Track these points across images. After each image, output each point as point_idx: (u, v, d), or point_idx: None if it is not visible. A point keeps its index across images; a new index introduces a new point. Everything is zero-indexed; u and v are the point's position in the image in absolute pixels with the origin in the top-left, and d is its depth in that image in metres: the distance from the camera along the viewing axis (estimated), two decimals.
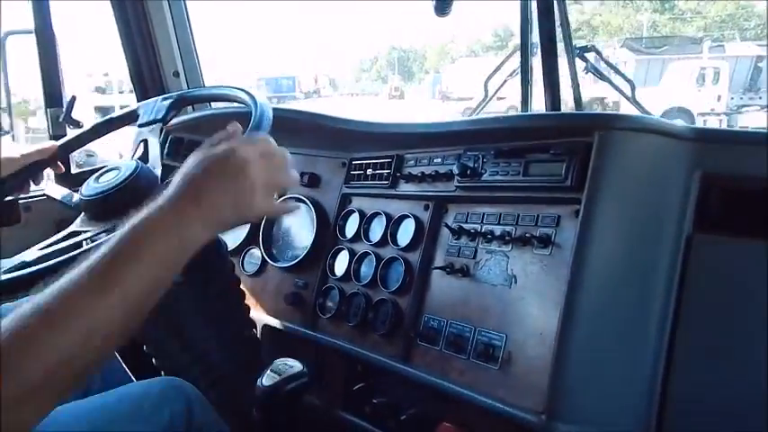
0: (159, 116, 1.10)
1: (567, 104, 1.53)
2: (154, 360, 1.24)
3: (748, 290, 0.86)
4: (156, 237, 0.65)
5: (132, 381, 1.15)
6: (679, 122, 1.01)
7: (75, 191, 1.40)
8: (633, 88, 1.43)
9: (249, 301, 1.29)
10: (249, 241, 1.52)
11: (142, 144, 1.11)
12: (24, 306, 0.58)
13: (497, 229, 1.03)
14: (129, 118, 1.18)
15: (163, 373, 1.19)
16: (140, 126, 1.13)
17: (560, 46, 1.43)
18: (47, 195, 1.28)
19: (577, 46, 1.44)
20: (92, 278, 0.60)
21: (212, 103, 1.75)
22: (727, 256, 0.88)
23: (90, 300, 0.59)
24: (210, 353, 1.18)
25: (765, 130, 0.91)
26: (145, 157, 1.07)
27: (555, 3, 1.40)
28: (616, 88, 1.43)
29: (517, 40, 1.58)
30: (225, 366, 1.20)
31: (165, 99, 1.13)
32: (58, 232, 0.98)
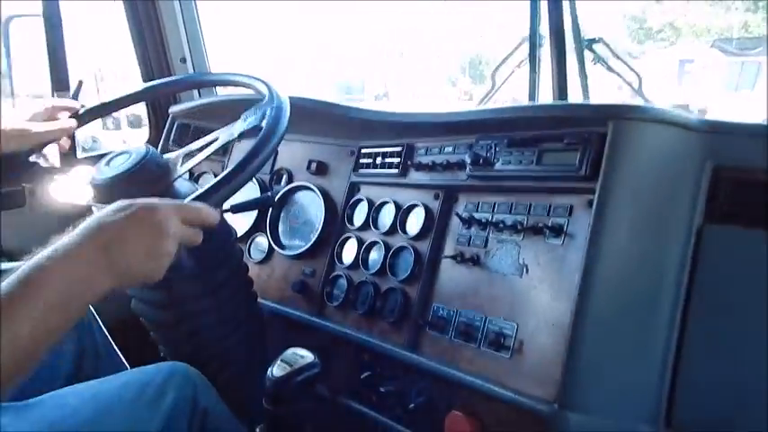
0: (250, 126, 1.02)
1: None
2: (160, 347, 1.24)
3: (758, 281, 0.87)
4: (55, 279, 0.63)
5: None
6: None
7: None
8: (641, 81, 1.44)
9: (255, 288, 1.29)
10: (256, 228, 1.52)
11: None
12: None
13: (509, 219, 1.03)
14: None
15: (168, 360, 1.19)
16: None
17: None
18: None
19: (586, 38, 1.44)
20: None
21: (218, 90, 1.75)
22: (737, 248, 0.89)
23: None
24: (216, 340, 1.18)
25: None
26: None
27: None
28: (625, 81, 1.44)
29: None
30: (231, 354, 1.20)
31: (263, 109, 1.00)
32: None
